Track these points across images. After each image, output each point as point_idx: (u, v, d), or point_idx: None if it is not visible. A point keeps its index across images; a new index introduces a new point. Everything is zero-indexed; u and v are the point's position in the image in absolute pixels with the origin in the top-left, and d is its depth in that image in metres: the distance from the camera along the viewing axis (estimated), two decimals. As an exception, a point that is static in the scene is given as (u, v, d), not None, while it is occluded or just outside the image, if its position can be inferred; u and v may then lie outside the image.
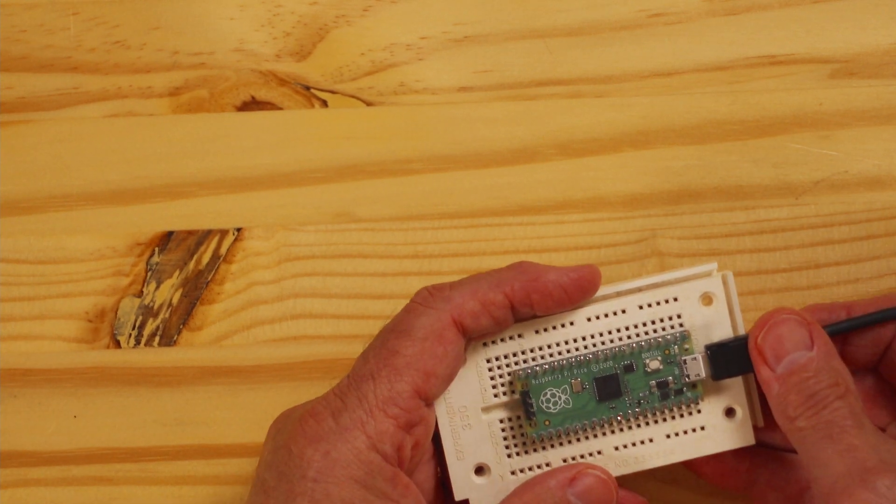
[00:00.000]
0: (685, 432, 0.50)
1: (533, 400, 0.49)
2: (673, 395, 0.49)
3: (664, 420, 0.50)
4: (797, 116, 0.56)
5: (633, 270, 0.56)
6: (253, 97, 0.57)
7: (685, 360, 0.49)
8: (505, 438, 0.50)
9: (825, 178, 0.56)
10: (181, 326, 0.56)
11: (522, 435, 0.50)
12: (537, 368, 0.49)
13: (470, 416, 0.49)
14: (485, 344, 0.49)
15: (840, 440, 0.45)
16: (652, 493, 0.55)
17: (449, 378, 0.48)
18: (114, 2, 0.57)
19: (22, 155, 0.57)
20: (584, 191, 0.56)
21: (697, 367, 0.49)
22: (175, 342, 0.56)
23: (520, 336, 0.49)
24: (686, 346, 0.49)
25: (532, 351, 0.49)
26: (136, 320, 0.56)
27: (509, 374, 0.49)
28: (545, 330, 0.49)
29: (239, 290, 0.56)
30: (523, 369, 0.49)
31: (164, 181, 0.57)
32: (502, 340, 0.49)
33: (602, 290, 0.50)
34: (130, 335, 0.56)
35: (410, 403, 0.47)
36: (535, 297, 0.48)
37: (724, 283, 0.50)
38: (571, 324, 0.49)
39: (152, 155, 0.57)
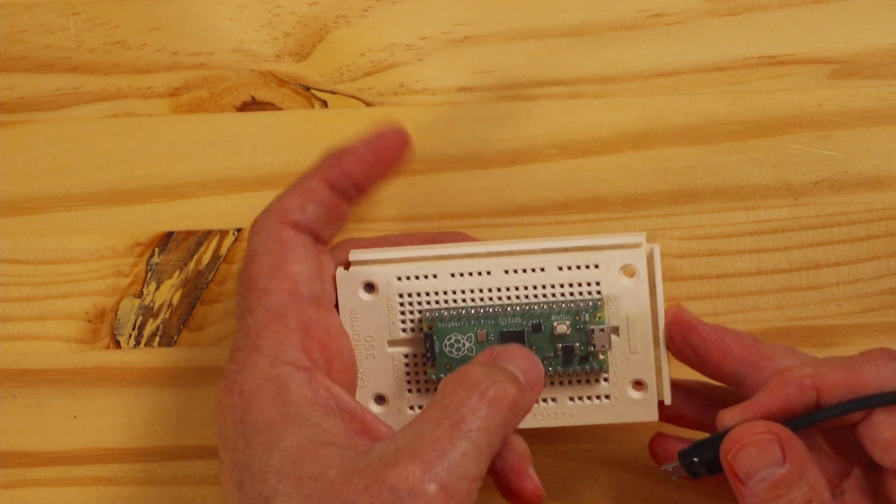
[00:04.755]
0: (589, 398, 0.49)
1: (437, 342, 0.49)
2: (577, 362, 0.49)
3: (569, 383, 0.49)
4: (797, 117, 0.56)
5: (632, 271, 0.56)
6: (253, 97, 0.57)
7: (593, 330, 0.49)
8: (407, 374, 0.50)
9: (825, 178, 0.56)
10: (181, 327, 0.56)
11: (425, 374, 0.50)
12: (445, 313, 0.49)
13: (375, 346, 0.50)
14: (399, 278, 0.49)
15: None
16: (651, 493, 0.55)
17: (317, 274, 0.48)
18: (114, 2, 0.57)
19: (22, 155, 0.57)
20: (584, 191, 0.56)
21: (604, 339, 0.48)
22: (175, 342, 0.56)
23: (434, 277, 0.49)
24: (598, 315, 0.49)
25: (445, 294, 0.49)
26: (136, 321, 0.56)
27: (420, 312, 0.49)
28: (461, 275, 0.49)
29: (239, 291, 0.56)
30: (432, 310, 0.49)
31: (164, 181, 0.57)
32: (416, 278, 0.49)
33: (528, 244, 0.49)
34: (130, 335, 0.56)
35: (291, 308, 0.47)
36: (347, 165, 0.48)
37: (650, 257, 0.49)
38: (489, 273, 0.49)
39: (152, 155, 0.57)
